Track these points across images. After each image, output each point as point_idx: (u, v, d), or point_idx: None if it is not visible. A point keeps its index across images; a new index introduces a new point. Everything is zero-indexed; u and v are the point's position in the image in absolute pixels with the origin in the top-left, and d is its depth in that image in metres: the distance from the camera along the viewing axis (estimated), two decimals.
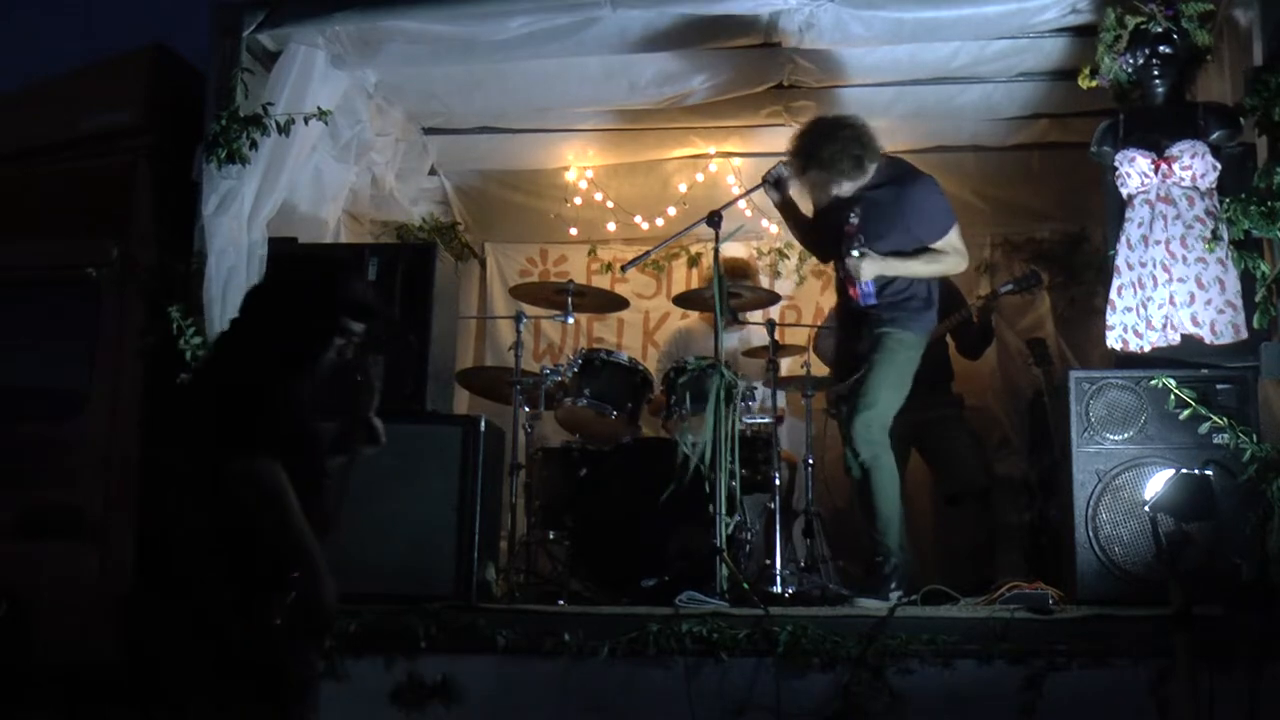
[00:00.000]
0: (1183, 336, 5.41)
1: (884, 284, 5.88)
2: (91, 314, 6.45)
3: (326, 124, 6.28)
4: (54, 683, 5.86)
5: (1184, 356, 5.44)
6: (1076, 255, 7.73)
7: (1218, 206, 5.37)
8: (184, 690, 3.87)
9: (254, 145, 5.97)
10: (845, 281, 5.97)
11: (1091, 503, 5.40)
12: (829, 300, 7.33)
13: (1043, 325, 7.73)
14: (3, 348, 6.72)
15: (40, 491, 6.26)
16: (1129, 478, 5.38)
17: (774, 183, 6.13)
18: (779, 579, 6.04)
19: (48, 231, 6.61)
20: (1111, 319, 5.61)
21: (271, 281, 4.43)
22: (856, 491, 6.00)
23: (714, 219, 6.15)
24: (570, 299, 6.79)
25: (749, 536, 6.23)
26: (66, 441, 6.34)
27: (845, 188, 5.94)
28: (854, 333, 6.05)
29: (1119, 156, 5.62)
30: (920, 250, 5.91)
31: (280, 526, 3.77)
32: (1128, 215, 5.57)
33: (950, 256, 5.96)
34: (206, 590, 3.81)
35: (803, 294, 8.16)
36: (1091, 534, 5.38)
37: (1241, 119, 5.46)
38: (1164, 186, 5.47)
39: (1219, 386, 5.38)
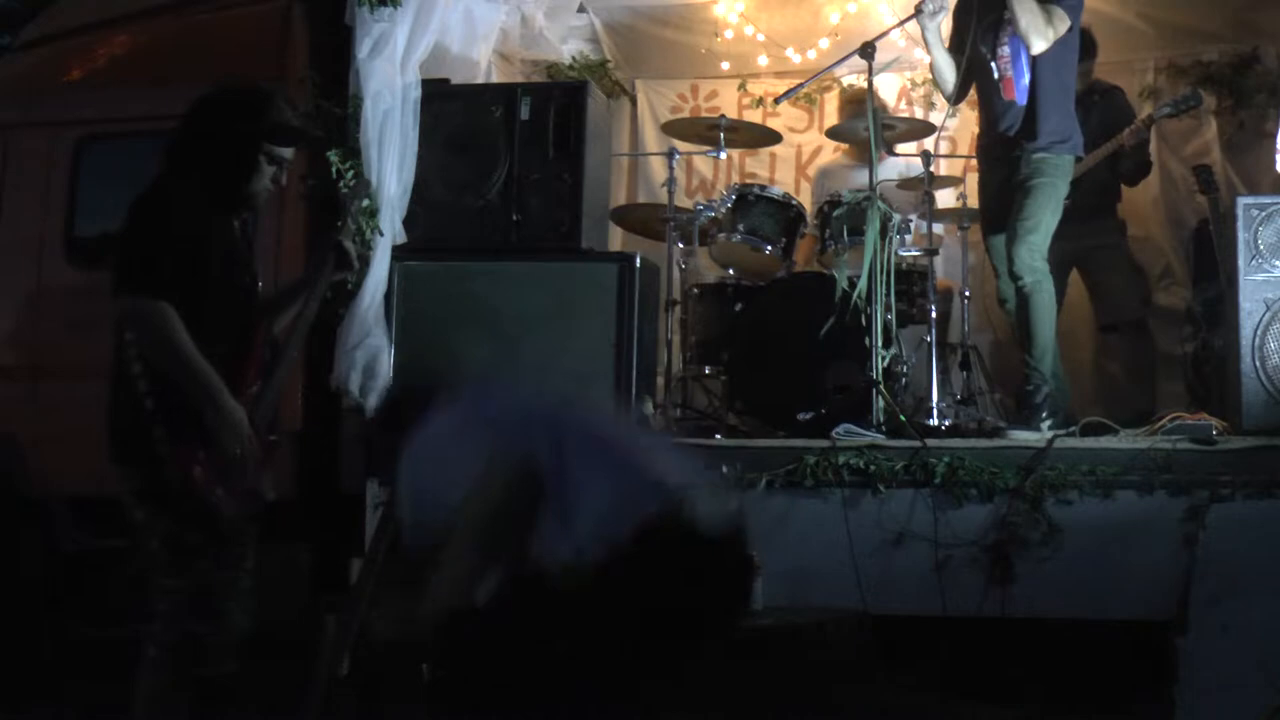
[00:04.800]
0: None
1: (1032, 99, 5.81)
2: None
3: None
4: None
5: None
6: (1246, 77, 7.44)
7: None
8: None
9: None
10: (999, 82, 5.90)
11: (1259, 332, 5.30)
12: None
13: (1209, 151, 7.48)
14: None
15: None
16: None
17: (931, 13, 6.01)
18: (936, 412, 6.03)
19: (207, 78, 6.70)
20: None
21: (191, 119, 4.19)
22: (1015, 317, 5.97)
23: (868, 51, 6.06)
24: (722, 134, 6.77)
25: (905, 370, 6.23)
26: None
27: None
28: (1001, 161, 6.00)
29: None
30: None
31: (174, 365, 3.85)
32: None
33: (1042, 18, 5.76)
34: (146, 436, 3.93)
35: (957, 124, 7.99)
36: (1258, 363, 5.28)
37: None
38: None
39: None
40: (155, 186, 4.06)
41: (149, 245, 3.89)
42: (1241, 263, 5.39)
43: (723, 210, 6.59)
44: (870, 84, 6.22)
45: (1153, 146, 7.22)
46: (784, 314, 6.26)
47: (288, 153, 4.14)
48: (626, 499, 3.03)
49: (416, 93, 6.08)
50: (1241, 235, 5.39)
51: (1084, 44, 6.70)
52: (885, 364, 5.83)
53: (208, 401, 3.85)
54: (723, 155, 7.10)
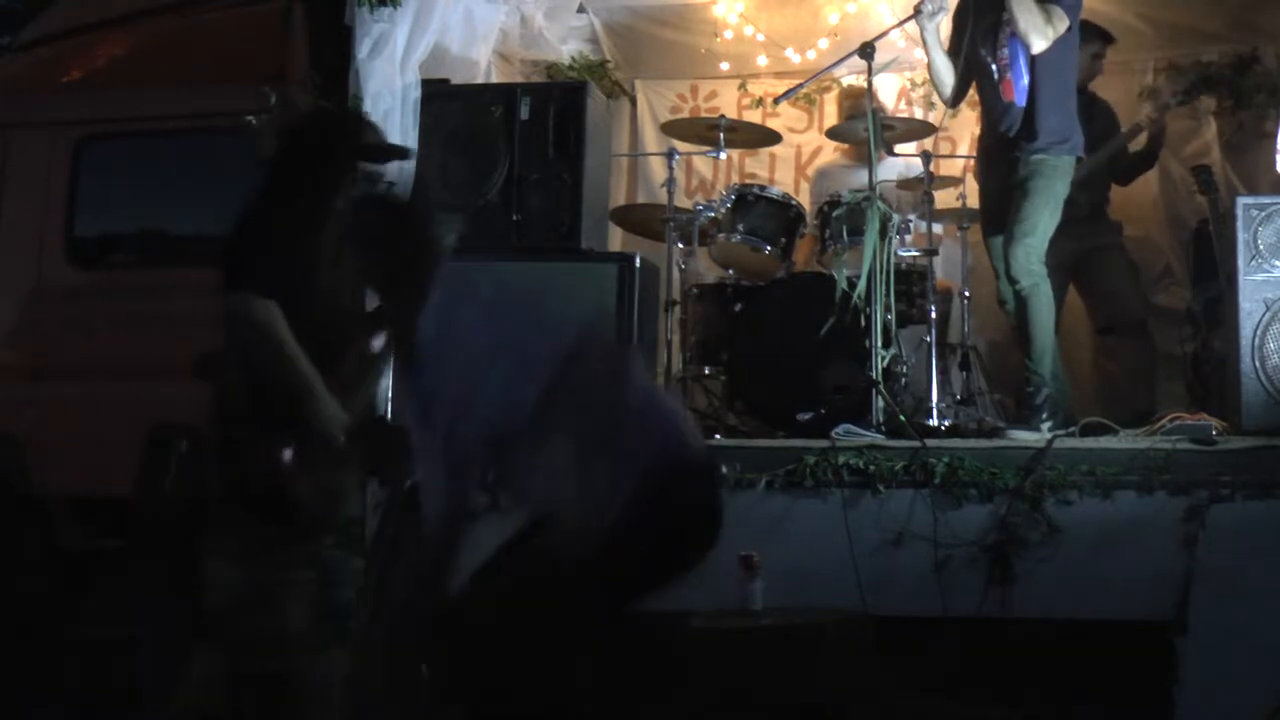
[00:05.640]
0: None
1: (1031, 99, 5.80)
2: (252, 160, 6.55)
3: None
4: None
5: None
6: (1246, 78, 7.44)
7: None
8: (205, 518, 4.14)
9: None
10: (999, 83, 5.90)
11: (1259, 332, 5.31)
12: None
13: (1208, 151, 7.49)
14: (167, 196, 6.90)
15: (211, 334, 6.44)
16: None
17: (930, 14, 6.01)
18: (935, 412, 6.03)
19: (207, 79, 6.71)
20: None
21: (294, 137, 4.56)
22: (1014, 319, 5.97)
23: (867, 51, 6.06)
24: (722, 134, 6.77)
25: (904, 370, 6.23)
26: None
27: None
28: (1000, 161, 6.00)
29: None
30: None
31: (276, 360, 4.02)
32: None
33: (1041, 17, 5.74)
34: (233, 425, 4.05)
35: (957, 125, 7.98)
36: (1258, 364, 5.29)
37: None
38: None
39: None
40: (260, 197, 4.32)
41: (255, 247, 4.13)
42: (1241, 263, 5.39)
43: (722, 210, 6.59)
44: (870, 84, 6.23)
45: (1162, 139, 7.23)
46: (784, 314, 6.26)
47: (375, 169, 4.42)
48: (672, 440, 3.27)
49: (416, 93, 6.08)
50: (1241, 235, 5.39)
51: (1096, 33, 6.72)
52: (885, 364, 5.84)
53: (306, 394, 4.02)
54: (722, 155, 7.11)
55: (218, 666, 4.13)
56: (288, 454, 4.02)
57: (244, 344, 4.14)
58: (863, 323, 5.85)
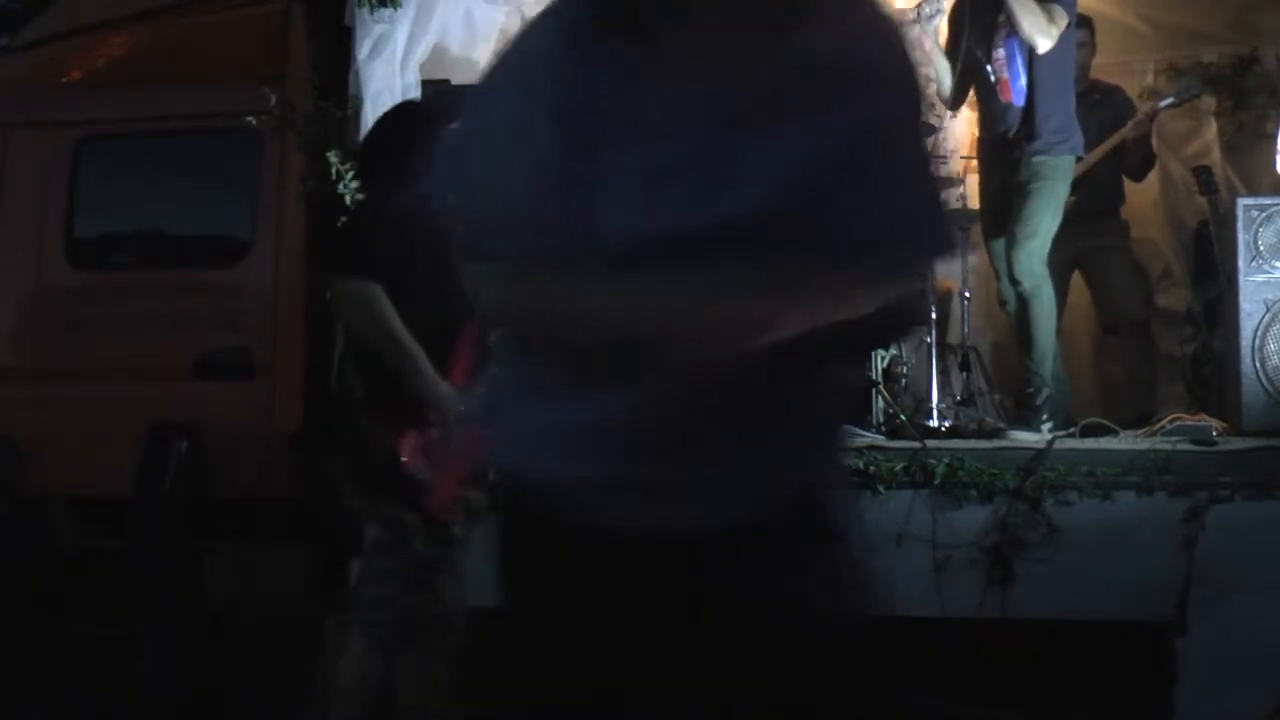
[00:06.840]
0: None
1: (1030, 100, 5.79)
2: (252, 161, 6.56)
3: None
4: (229, 513, 6.11)
5: None
6: (1246, 78, 7.44)
7: None
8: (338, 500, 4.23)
9: None
10: (995, 85, 5.89)
11: (1259, 333, 5.31)
12: None
13: (1208, 152, 7.47)
14: (168, 197, 6.90)
15: (211, 335, 6.45)
16: None
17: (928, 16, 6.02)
18: (936, 412, 6.03)
19: (207, 80, 6.71)
20: None
21: (388, 119, 4.73)
22: (1014, 321, 5.96)
23: None
24: None
25: (905, 370, 6.22)
26: (233, 287, 6.50)
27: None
28: (1000, 162, 5.99)
29: None
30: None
31: (381, 336, 4.13)
32: None
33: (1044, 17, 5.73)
34: (356, 419, 4.14)
35: (957, 125, 7.97)
36: (1258, 364, 5.29)
37: None
38: None
39: None
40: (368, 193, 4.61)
41: (359, 234, 4.32)
42: (1241, 264, 5.40)
43: None
44: None
45: (1153, 145, 7.21)
46: None
47: None
48: None
49: (416, 93, 6.08)
50: (1241, 236, 5.39)
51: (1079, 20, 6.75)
52: (885, 365, 5.84)
53: (411, 370, 4.10)
54: None
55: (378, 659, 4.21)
56: (405, 438, 4.14)
57: (352, 325, 4.29)
58: None
